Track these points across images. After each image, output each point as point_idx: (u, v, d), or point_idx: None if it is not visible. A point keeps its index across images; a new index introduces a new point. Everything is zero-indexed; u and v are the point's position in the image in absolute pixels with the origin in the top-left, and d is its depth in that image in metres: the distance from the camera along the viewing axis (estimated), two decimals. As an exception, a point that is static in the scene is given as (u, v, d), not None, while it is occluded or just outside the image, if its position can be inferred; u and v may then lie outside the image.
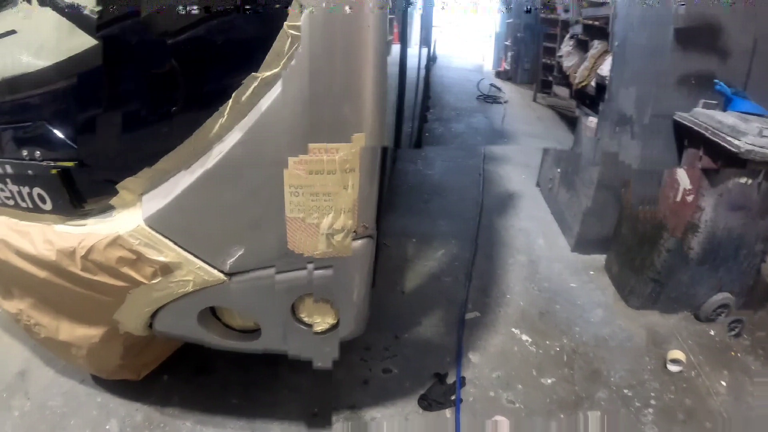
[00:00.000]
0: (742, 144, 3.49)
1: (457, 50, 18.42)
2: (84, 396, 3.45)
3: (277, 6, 1.96)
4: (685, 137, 4.23)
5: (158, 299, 2.59)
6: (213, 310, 2.82)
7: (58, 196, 2.47)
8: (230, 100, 2.12)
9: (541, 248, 5.49)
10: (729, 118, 3.78)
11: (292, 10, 1.94)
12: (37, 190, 2.47)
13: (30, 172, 2.43)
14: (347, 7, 1.97)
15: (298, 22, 1.95)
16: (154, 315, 2.71)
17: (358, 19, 2.01)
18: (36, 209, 2.55)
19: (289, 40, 1.98)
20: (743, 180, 3.74)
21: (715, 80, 4.16)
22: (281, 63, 2.03)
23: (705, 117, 3.96)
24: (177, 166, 2.32)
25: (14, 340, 3.89)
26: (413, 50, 7.82)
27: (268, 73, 2.05)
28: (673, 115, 4.26)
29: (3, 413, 3.33)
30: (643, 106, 4.46)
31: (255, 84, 2.08)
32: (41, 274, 2.63)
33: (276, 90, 2.08)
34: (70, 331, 2.92)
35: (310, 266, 2.46)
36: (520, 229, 5.85)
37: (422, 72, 9.42)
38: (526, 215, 6.19)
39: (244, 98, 2.11)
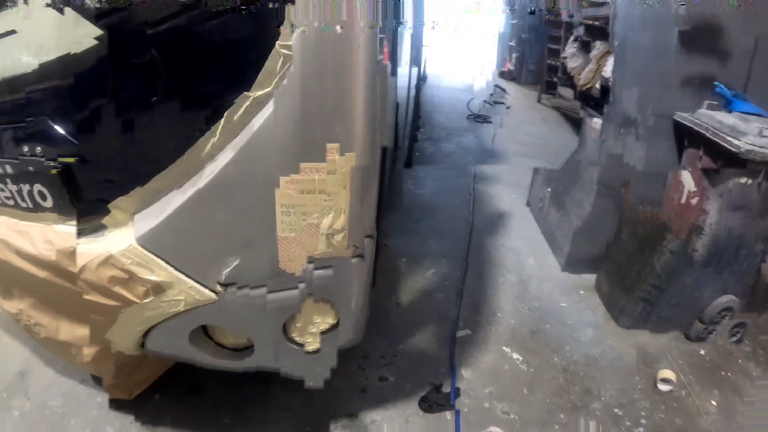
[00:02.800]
0: (742, 144, 3.43)
1: (447, 70, 17.80)
2: (84, 396, 3.40)
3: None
4: (685, 137, 4.13)
5: (150, 319, 2.53)
6: (205, 329, 2.76)
7: (58, 194, 2.40)
8: (222, 120, 2.08)
9: (532, 268, 5.37)
10: (729, 118, 3.71)
11: (284, 29, 1.90)
12: (37, 187, 2.42)
13: (31, 168, 2.38)
14: (338, 27, 1.93)
15: (289, 41, 1.91)
16: (146, 334, 2.65)
17: (349, 39, 1.97)
18: (36, 208, 2.50)
19: (281, 59, 1.95)
20: (743, 180, 3.65)
21: (715, 82, 4.07)
22: (273, 82, 1.99)
23: (706, 117, 3.87)
24: (169, 186, 2.27)
25: (14, 340, 3.84)
26: (403, 70, 7.78)
27: (260, 93, 2.01)
28: (674, 116, 4.18)
29: (3, 413, 3.28)
30: (646, 108, 4.35)
31: (247, 103, 2.04)
32: (41, 274, 2.58)
33: (268, 109, 2.03)
34: (70, 331, 2.85)
35: (310, 266, 2.38)
36: (510, 248, 5.74)
37: (412, 91, 9.31)
38: (516, 235, 6.07)
39: (236, 117, 2.07)
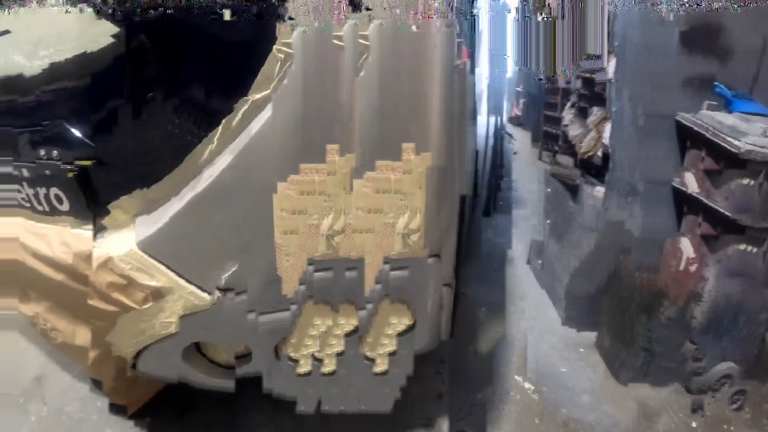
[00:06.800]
0: (742, 144, 3.25)
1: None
2: (100, 401, 3.22)
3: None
4: (687, 138, 3.89)
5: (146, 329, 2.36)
6: (198, 347, 2.56)
7: (75, 197, 2.30)
8: (220, 127, 1.98)
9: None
10: (729, 118, 3.49)
11: (284, 28, 1.81)
12: (54, 191, 2.31)
13: (47, 172, 2.26)
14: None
15: (289, 39, 1.82)
16: (137, 356, 2.47)
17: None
18: (53, 212, 2.37)
19: (280, 61, 1.84)
20: (745, 181, 3.45)
21: (715, 83, 3.84)
22: (272, 85, 1.88)
23: (707, 118, 3.66)
24: (167, 194, 2.15)
25: (31, 344, 3.61)
26: (482, 118, 7.69)
27: (258, 96, 1.90)
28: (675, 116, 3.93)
29: (20, 418, 3.13)
30: (642, 174, 4.20)
31: (245, 107, 1.93)
32: (58, 276, 2.43)
33: (267, 111, 1.93)
34: (87, 336, 2.64)
35: (386, 267, 2.23)
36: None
37: (491, 140, 9.13)
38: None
39: (234, 123, 1.96)
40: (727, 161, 3.47)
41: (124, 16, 1.97)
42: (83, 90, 2.12)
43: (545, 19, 4.43)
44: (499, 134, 10.47)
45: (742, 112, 3.60)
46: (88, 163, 2.21)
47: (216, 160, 2.04)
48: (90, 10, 1.99)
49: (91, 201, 2.30)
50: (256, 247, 2.15)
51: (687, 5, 3.76)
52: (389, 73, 1.94)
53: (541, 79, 10.57)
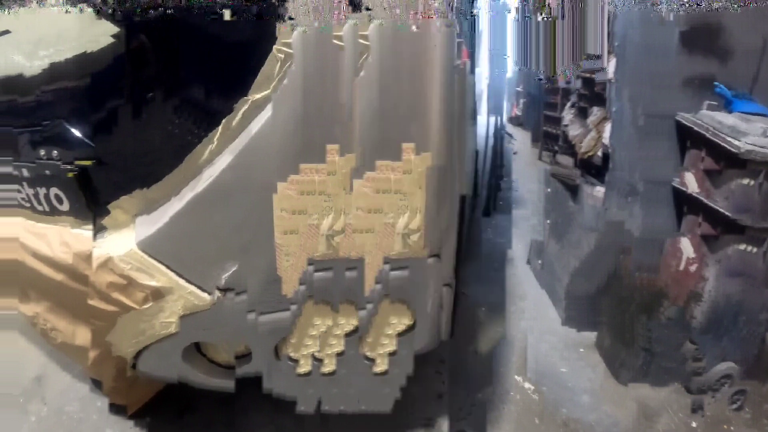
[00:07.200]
0: (742, 144, 3.24)
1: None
2: (100, 401, 3.21)
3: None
4: (687, 138, 3.89)
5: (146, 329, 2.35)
6: (198, 347, 2.55)
7: (75, 197, 2.29)
8: (220, 127, 1.97)
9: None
10: (729, 118, 3.49)
11: (284, 28, 1.80)
12: (54, 191, 2.31)
13: (47, 172, 2.26)
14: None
15: (289, 39, 1.81)
16: (137, 356, 2.46)
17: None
18: (53, 212, 2.37)
19: (280, 61, 1.84)
20: (745, 181, 3.44)
21: (715, 83, 3.84)
22: (272, 85, 1.88)
23: (707, 118, 3.65)
24: (167, 194, 2.15)
25: (31, 344, 3.61)
26: (482, 118, 7.70)
27: (258, 96, 1.90)
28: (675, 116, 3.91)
29: (20, 418, 3.13)
30: (642, 174, 4.19)
31: (245, 107, 1.92)
32: (58, 276, 2.43)
33: (267, 111, 1.92)
34: (87, 336, 2.64)
35: (386, 267, 2.23)
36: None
37: (491, 140, 9.16)
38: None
39: (234, 123, 1.95)
40: (727, 161, 3.46)
41: (124, 16, 1.97)
42: (83, 90, 2.11)
43: (545, 19, 4.43)
44: (499, 134, 10.43)
45: (742, 112, 3.58)
46: (88, 163, 2.21)
47: (216, 160, 2.03)
48: (90, 10, 1.98)
49: (91, 201, 2.30)
50: (256, 247, 2.15)
51: (687, 5, 3.73)
52: (389, 73, 1.94)
53: (541, 79, 10.51)
